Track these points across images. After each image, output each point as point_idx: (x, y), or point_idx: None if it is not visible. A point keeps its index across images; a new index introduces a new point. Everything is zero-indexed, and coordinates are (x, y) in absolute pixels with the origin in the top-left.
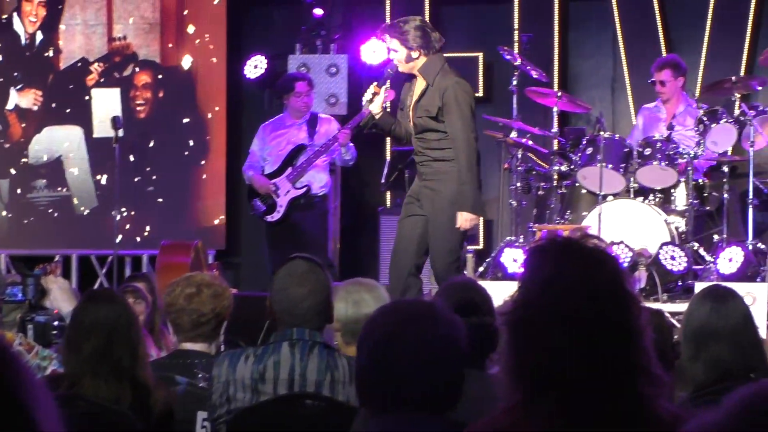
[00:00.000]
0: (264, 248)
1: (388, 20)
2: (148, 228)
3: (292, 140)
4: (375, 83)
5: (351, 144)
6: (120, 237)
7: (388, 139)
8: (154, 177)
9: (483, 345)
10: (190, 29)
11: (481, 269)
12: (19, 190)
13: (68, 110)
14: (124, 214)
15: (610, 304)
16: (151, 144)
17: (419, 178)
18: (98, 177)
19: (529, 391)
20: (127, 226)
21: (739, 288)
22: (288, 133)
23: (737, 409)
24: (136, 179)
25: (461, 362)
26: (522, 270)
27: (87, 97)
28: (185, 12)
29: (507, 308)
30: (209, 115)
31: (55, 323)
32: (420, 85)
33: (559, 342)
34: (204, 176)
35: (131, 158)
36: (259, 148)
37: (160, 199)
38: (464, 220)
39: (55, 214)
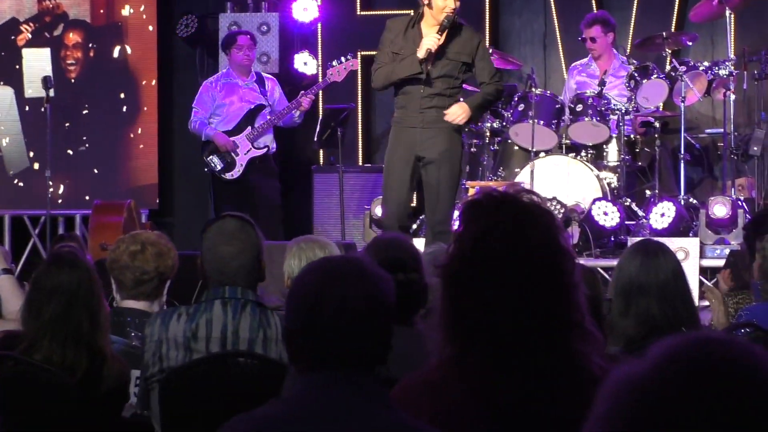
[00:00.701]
0: (210, 205)
1: None
2: (80, 188)
3: (246, 99)
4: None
5: None
6: (51, 196)
7: (321, 97)
8: (85, 137)
9: (410, 302)
10: None
11: (414, 226)
12: None
13: (0, 69)
14: (57, 174)
15: (543, 259)
16: (83, 104)
17: (421, 122)
18: (29, 136)
19: (462, 345)
20: (60, 187)
21: (672, 243)
22: (240, 92)
23: (661, 360)
24: (68, 140)
25: (389, 319)
26: (457, 224)
27: (18, 58)
28: None
29: (442, 261)
30: (140, 75)
31: None
32: (441, 36)
33: (492, 295)
34: (136, 136)
35: (63, 118)
36: (206, 104)
37: (93, 159)
38: (460, 113)
39: None
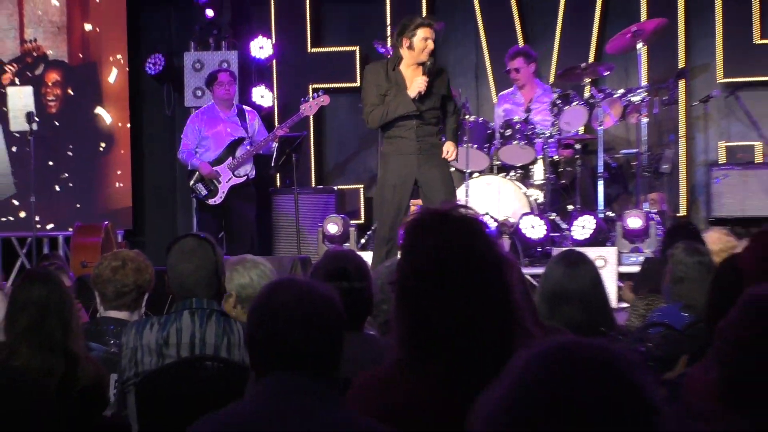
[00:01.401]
0: (195, 227)
1: (272, 19)
2: (62, 212)
3: (228, 132)
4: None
5: None
6: (37, 219)
7: (276, 122)
8: (66, 165)
9: (357, 309)
10: (94, 31)
11: (363, 240)
12: None
13: None
14: (40, 199)
15: (489, 267)
16: (63, 136)
17: (416, 150)
18: (14, 166)
19: (417, 349)
20: (43, 211)
21: (592, 252)
22: (224, 125)
23: (517, 379)
24: (50, 167)
25: (335, 329)
26: (403, 241)
27: (2, 94)
28: (89, 14)
29: (394, 277)
30: (113, 109)
31: None
32: (419, 73)
33: (445, 303)
34: (111, 165)
35: (45, 149)
36: (193, 137)
37: (72, 185)
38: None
39: None
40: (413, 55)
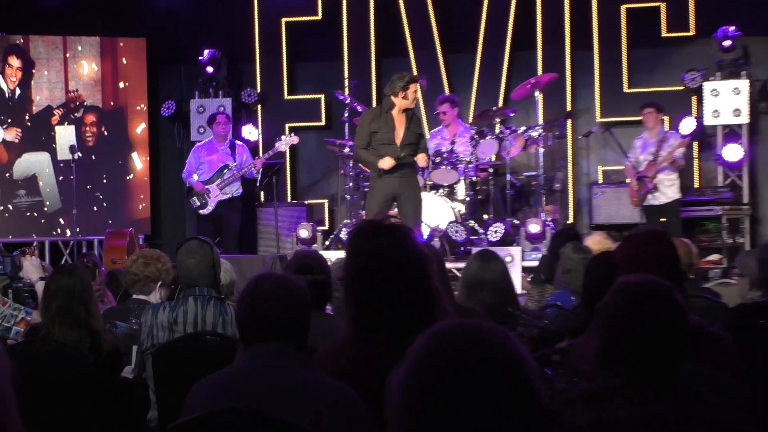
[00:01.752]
0: (191, 232)
1: (258, 75)
2: (96, 221)
3: (220, 159)
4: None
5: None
6: (77, 227)
7: (260, 152)
8: (99, 185)
9: (319, 295)
10: (122, 84)
11: (327, 243)
12: (7, 197)
13: (39, 141)
14: (80, 211)
15: (415, 262)
16: (97, 163)
17: (398, 174)
18: (61, 186)
19: (360, 326)
20: (83, 220)
21: (502, 251)
22: (218, 154)
23: (416, 350)
24: (87, 187)
25: (304, 307)
26: (347, 245)
27: (52, 133)
28: (118, 71)
29: (341, 273)
30: (136, 143)
31: (27, 289)
32: (403, 117)
33: (381, 292)
34: (135, 185)
35: (84, 174)
36: (195, 162)
37: (104, 200)
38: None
39: (33, 214)
40: (405, 103)
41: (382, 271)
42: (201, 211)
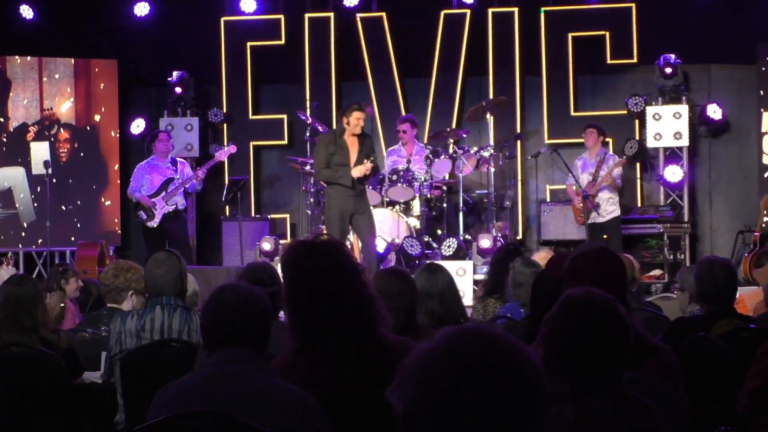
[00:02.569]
0: (143, 245)
1: (224, 95)
2: (69, 232)
3: (162, 174)
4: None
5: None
6: (50, 238)
7: (226, 169)
8: (72, 198)
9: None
10: (95, 103)
11: None
12: None
13: (15, 156)
14: (53, 223)
15: (353, 274)
16: (70, 178)
17: (354, 194)
18: (35, 200)
19: (302, 340)
20: (55, 231)
21: (454, 264)
22: (160, 170)
23: (442, 342)
24: (60, 201)
25: (264, 316)
26: (284, 263)
27: (27, 148)
28: (90, 90)
29: (285, 292)
30: (107, 158)
31: None
32: (355, 140)
33: (319, 306)
34: (105, 198)
35: (57, 187)
36: (138, 178)
37: (77, 213)
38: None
39: (8, 226)
40: (349, 129)
41: (320, 286)
42: (148, 224)
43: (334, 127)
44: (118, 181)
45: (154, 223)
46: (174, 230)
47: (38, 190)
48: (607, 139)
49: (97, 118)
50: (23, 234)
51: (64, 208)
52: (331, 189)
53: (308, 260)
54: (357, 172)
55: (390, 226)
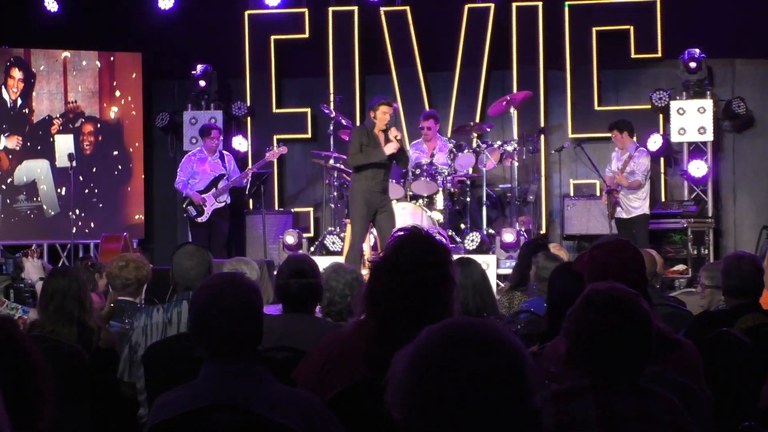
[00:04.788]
0: (186, 238)
1: (248, 89)
2: (92, 225)
3: (212, 170)
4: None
5: None
6: (74, 231)
7: (250, 164)
8: (96, 191)
9: (311, 297)
10: (118, 94)
11: (312, 249)
12: (8, 201)
13: (39, 149)
14: (77, 216)
15: (434, 267)
16: (94, 170)
17: (380, 189)
18: (60, 192)
19: (378, 314)
20: (79, 224)
21: (478, 258)
22: (209, 164)
23: (425, 336)
24: (85, 193)
25: (256, 316)
26: (386, 251)
27: (51, 141)
28: (114, 83)
29: (375, 262)
30: (131, 151)
31: (28, 289)
32: (383, 136)
33: (398, 286)
34: (130, 191)
35: (81, 179)
36: (186, 172)
37: (101, 206)
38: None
39: (32, 217)
40: (377, 124)
41: (407, 267)
42: (197, 219)
43: (357, 122)
44: (142, 175)
45: (203, 219)
46: (220, 226)
47: (62, 182)
48: (629, 135)
49: (120, 111)
50: (47, 226)
51: (87, 200)
52: (356, 183)
53: (400, 246)
54: (389, 148)
55: (413, 220)
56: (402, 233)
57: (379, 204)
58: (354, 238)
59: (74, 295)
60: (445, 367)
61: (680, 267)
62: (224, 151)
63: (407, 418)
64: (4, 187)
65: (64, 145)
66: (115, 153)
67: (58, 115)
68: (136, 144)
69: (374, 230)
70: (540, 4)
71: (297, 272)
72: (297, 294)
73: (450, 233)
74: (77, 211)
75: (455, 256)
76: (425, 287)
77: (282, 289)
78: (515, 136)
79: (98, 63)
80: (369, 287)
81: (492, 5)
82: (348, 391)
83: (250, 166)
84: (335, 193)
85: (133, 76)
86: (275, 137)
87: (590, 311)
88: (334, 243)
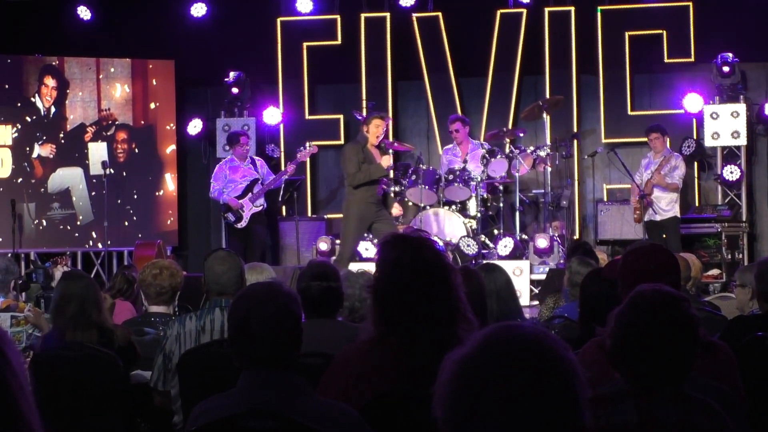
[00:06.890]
0: (225, 243)
1: (281, 96)
2: (126, 232)
3: (245, 175)
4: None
5: None
6: (108, 239)
7: (282, 169)
8: (129, 198)
9: (331, 302)
10: (152, 104)
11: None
12: (42, 210)
13: (73, 157)
14: (111, 225)
15: (435, 271)
16: (127, 178)
17: (375, 201)
18: (93, 200)
19: (383, 328)
20: (113, 231)
21: (511, 264)
22: (242, 171)
23: (478, 341)
24: (118, 201)
25: (296, 325)
26: (377, 255)
27: (85, 149)
28: (147, 91)
29: (372, 282)
30: (164, 158)
31: None
32: (377, 152)
33: (405, 297)
34: (163, 199)
35: (115, 188)
36: (221, 180)
37: (134, 213)
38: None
39: (67, 226)
40: (370, 138)
41: (410, 278)
42: (237, 225)
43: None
44: (176, 182)
45: (242, 224)
46: (258, 231)
47: (96, 190)
48: (667, 138)
49: (153, 118)
50: (81, 234)
51: (121, 208)
52: (351, 196)
53: (396, 252)
54: (386, 161)
55: (446, 225)
56: (388, 245)
57: (374, 216)
58: (344, 249)
59: (92, 298)
60: (498, 382)
61: (714, 272)
62: (255, 157)
63: (452, 423)
64: (39, 193)
65: (97, 152)
66: (149, 160)
67: (91, 123)
68: (169, 151)
69: (375, 239)
70: (572, 9)
71: (318, 275)
72: (318, 297)
73: (483, 239)
74: (111, 219)
75: (484, 261)
76: (436, 291)
77: (303, 292)
78: (548, 141)
79: (131, 70)
80: (379, 308)
81: (524, 11)
82: (378, 402)
83: (284, 167)
84: None
85: (167, 83)
86: (308, 143)
87: (635, 313)
88: (367, 249)
